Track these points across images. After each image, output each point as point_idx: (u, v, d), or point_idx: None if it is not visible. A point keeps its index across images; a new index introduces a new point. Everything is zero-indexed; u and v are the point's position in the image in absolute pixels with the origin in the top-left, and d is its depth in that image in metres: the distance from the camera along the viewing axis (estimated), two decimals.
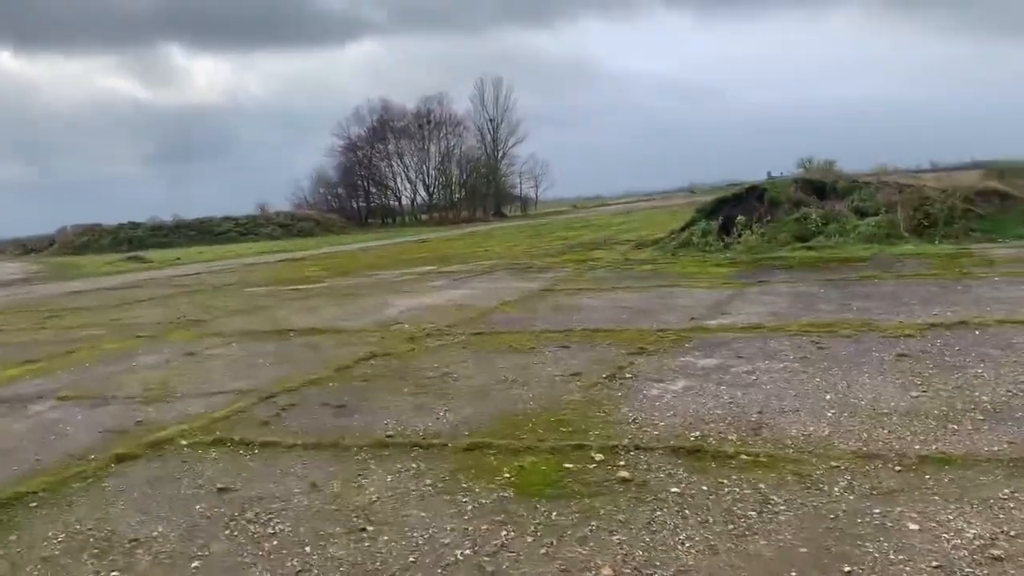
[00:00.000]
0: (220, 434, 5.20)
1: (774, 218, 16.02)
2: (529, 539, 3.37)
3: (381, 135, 73.18)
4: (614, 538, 3.32)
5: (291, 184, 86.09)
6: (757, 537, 3.24)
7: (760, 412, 4.87)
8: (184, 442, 5.12)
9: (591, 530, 3.41)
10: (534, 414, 5.18)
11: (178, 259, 32.82)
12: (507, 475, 4.12)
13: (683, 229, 17.49)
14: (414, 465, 4.39)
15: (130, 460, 4.84)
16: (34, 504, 4.23)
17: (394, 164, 74.15)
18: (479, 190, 74.37)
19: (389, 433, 5.02)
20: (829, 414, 4.74)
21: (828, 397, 5.09)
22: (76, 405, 6.47)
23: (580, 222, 40.37)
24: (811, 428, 4.51)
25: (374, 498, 3.95)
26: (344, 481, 4.22)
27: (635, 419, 4.91)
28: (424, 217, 73.07)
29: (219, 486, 4.28)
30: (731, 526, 3.35)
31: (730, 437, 4.46)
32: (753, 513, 3.45)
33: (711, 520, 3.42)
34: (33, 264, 40.88)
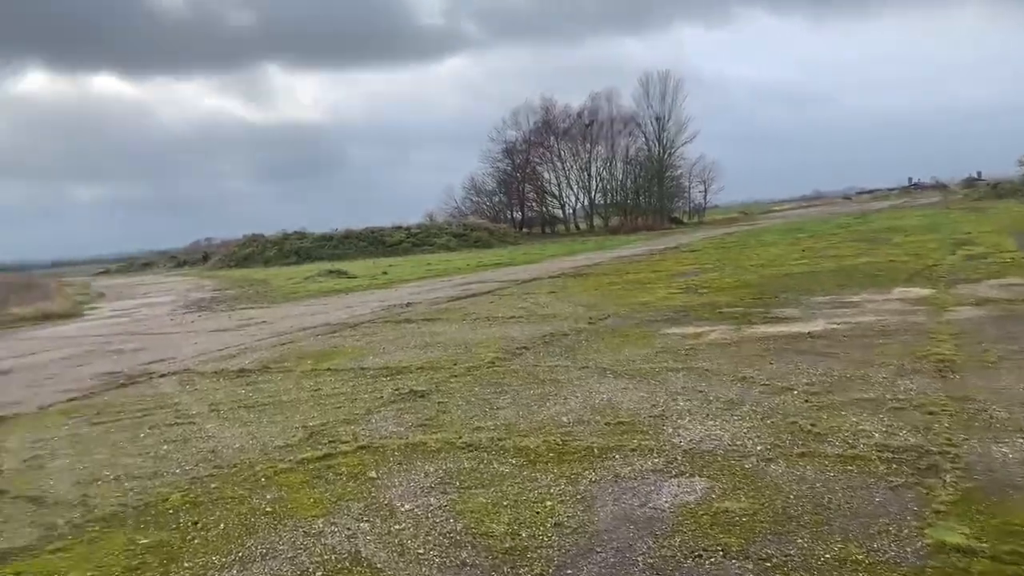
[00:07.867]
0: None
1: None
2: None
3: (543, 138, 66.14)
4: None
5: (444, 193, 79.64)
6: None
7: None
8: None
9: None
10: None
11: (385, 273, 26.24)
12: None
13: None
14: None
15: None
16: None
17: (557, 169, 67.00)
18: (652, 194, 66.11)
19: None
20: None
21: None
22: None
23: (860, 230, 31.36)
24: None
25: None
26: None
27: None
28: (583, 226, 65.47)
29: None
30: None
31: None
32: None
33: None
34: (203, 278, 35.62)
